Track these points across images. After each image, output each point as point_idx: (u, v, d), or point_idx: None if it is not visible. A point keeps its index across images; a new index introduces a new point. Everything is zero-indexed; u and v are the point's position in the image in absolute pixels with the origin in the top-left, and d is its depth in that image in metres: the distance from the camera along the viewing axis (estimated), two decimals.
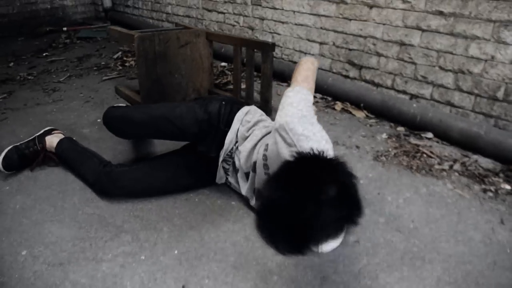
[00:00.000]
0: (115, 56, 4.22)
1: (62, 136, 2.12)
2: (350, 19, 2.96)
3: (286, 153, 1.33)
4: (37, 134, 2.12)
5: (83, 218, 1.73)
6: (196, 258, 1.50)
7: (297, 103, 1.40)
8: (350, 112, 2.87)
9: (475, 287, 1.39)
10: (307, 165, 1.14)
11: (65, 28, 5.37)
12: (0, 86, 3.31)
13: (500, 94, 2.27)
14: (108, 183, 1.82)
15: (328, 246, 1.42)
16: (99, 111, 2.80)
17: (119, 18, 5.77)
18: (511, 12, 2.14)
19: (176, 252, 1.54)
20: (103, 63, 4.01)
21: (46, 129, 2.18)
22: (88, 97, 3.10)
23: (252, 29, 3.84)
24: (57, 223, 1.69)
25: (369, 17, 2.84)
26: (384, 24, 2.75)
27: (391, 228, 1.69)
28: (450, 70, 2.47)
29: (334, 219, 1.03)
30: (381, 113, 2.75)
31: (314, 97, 3.05)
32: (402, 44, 2.68)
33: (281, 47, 3.61)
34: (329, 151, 1.27)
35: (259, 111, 1.87)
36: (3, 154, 2.01)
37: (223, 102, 1.81)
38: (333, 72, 3.21)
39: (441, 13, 2.43)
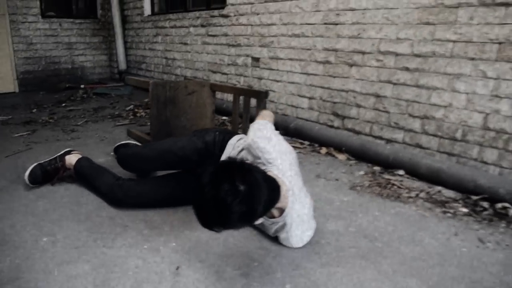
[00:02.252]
0: (127, 108, 4.64)
1: (80, 156, 2.43)
2: (334, 76, 3.39)
3: (253, 163, 1.72)
4: (58, 154, 2.44)
5: (96, 219, 2.00)
6: (190, 249, 1.75)
7: (262, 127, 1.86)
8: (333, 155, 3.19)
9: (425, 276, 1.62)
10: (232, 166, 1.45)
11: (82, 86, 5.87)
12: (24, 126, 3.70)
13: (458, 135, 2.61)
14: (120, 194, 2.11)
15: (299, 243, 1.74)
16: (112, 147, 3.12)
17: (132, 83, 6.29)
18: (460, 67, 2.54)
19: (174, 244, 1.79)
20: (116, 113, 4.42)
21: (66, 150, 2.50)
22: (103, 137, 3.45)
23: (251, 87, 4.28)
24: (74, 221, 1.96)
25: (350, 74, 3.26)
26: (362, 80, 3.17)
27: (359, 235, 1.94)
28: (417, 117, 2.83)
29: (227, 205, 1.32)
30: (360, 155, 3.07)
31: (303, 143, 3.40)
32: (377, 96, 3.07)
33: (276, 102, 4.02)
34: (276, 161, 1.72)
35: None
36: (29, 169, 2.31)
37: (217, 133, 2.16)
38: (320, 123, 3.58)
39: (407, 69, 2.84)
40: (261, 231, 1.90)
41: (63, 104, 4.77)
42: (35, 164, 2.36)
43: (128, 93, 5.69)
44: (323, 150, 3.31)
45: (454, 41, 2.56)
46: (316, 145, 3.44)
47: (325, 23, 3.38)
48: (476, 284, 1.57)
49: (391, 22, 2.90)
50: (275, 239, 1.83)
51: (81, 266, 1.60)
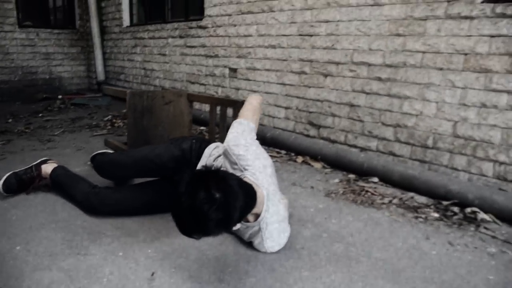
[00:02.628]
0: (105, 119, 4.60)
1: (56, 165, 2.40)
2: (310, 87, 3.44)
3: (229, 168, 1.79)
4: (34, 163, 2.40)
5: (71, 227, 1.97)
6: (166, 256, 1.74)
7: (238, 132, 1.86)
8: (309, 164, 3.22)
9: (397, 278, 1.65)
10: (208, 175, 1.48)
11: (60, 96, 5.79)
12: None
13: (429, 142, 2.68)
14: (96, 202, 2.09)
15: (274, 247, 1.75)
16: (89, 156, 3.07)
17: (110, 93, 6.25)
18: (430, 77, 2.62)
19: (149, 251, 1.78)
20: (94, 123, 4.37)
21: (42, 159, 2.46)
22: (80, 147, 3.42)
23: (228, 97, 4.30)
24: (49, 230, 1.93)
25: (324, 84, 3.32)
26: (336, 90, 3.23)
27: (332, 240, 1.96)
28: (390, 125, 2.90)
29: (203, 213, 1.35)
30: (335, 163, 3.11)
31: (279, 152, 3.43)
32: (351, 105, 3.13)
33: None
34: (252, 167, 1.75)
35: None
36: (4, 178, 2.27)
37: (194, 140, 2.17)
38: (296, 132, 3.62)
39: (379, 79, 2.91)
40: (237, 236, 1.91)
41: (40, 115, 4.70)
42: (9, 173, 2.31)
43: (106, 103, 5.64)
44: (299, 159, 3.34)
45: (423, 52, 2.65)
46: (293, 154, 3.47)
47: (300, 35, 3.44)
48: (445, 284, 1.60)
49: (363, 33, 2.97)
50: (250, 244, 1.83)
51: (56, 274, 1.57)
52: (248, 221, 1.73)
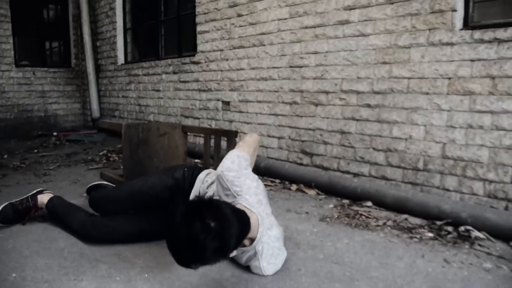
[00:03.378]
0: (100, 153, 4.61)
1: (52, 195, 2.40)
2: (301, 116, 3.51)
3: (222, 194, 1.83)
4: (30, 194, 2.39)
5: (67, 255, 1.95)
6: (163, 280, 1.73)
7: (232, 160, 1.89)
8: (303, 191, 3.24)
9: None
10: (201, 204, 1.51)
11: (55, 133, 5.82)
12: None
13: (420, 165, 2.73)
14: (92, 229, 2.08)
15: (271, 270, 1.75)
16: (85, 189, 3.08)
17: (105, 127, 6.29)
18: (417, 101, 2.70)
19: (146, 275, 1.76)
20: (89, 158, 4.38)
21: (38, 189, 2.46)
22: (76, 179, 3.41)
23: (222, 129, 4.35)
24: (45, 257, 1.91)
25: (316, 113, 3.39)
26: (327, 118, 3.29)
27: (329, 261, 1.96)
28: (381, 150, 2.95)
29: (200, 243, 1.38)
30: (329, 190, 3.13)
31: (273, 181, 3.45)
32: (342, 132, 3.19)
33: None
34: (244, 192, 1.79)
35: None
36: (0, 208, 2.25)
37: (186, 169, 2.19)
38: (290, 161, 3.65)
39: (368, 106, 2.99)
40: (233, 260, 1.90)
41: (35, 150, 4.70)
42: (5, 203, 2.30)
43: (102, 139, 5.67)
44: (294, 186, 3.36)
45: (409, 78, 2.74)
46: (287, 182, 3.49)
47: (291, 66, 3.55)
48: None
49: (351, 62, 3.07)
50: (247, 268, 1.83)
51: None
52: (244, 246, 1.74)
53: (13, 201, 2.33)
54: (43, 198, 2.37)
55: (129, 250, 2.02)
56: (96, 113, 6.51)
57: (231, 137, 2.99)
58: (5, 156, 4.32)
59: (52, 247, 2.03)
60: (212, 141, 3.05)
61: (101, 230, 2.07)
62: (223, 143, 3.03)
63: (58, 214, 2.29)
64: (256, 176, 1.92)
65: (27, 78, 6.13)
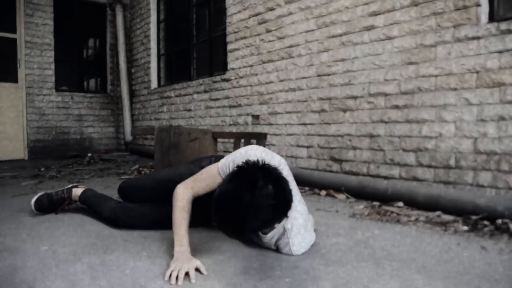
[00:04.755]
0: (132, 168, 4.73)
1: (85, 188, 2.48)
2: (330, 123, 3.53)
3: None
4: (65, 187, 2.49)
5: (98, 236, 2.00)
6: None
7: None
8: (333, 195, 3.20)
9: (429, 272, 1.59)
10: (249, 168, 1.53)
11: (89, 154, 6.02)
12: (32, 178, 3.76)
13: (452, 162, 2.67)
14: (122, 215, 2.13)
15: (301, 248, 1.73)
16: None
17: (137, 149, 6.47)
18: (445, 98, 2.68)
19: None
20: (121, 171, 4.51)
21: (74, 184, 2.55)
22: (108, 185, 3.51)
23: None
24: (76, 237, 1.97)
25: (344, 119, 3.40)
26: (356, 123, 3.30)
27: (359, 246, 1.91)
28: (411, 150, 2.91)
29: (265, 206, 1.41)
30: (359, 193, 3.08)
31: (303, 188, 3.43)
32: (371, 136, 3.18)
33: None
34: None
35: None
36: (36, 197, 2.36)
37: (213, 158, 2.22)
38: (319, 170, 3.64)
39: (397, 107, 2.98)
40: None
41: (70, 166, 4.88)
42: (42, 193, 2.40)
43: (134, 160, 5.82)
44: (323, 192, 3.33)
45: (436, 76, 2.73)
46: (316, 189, 3.47)
47: (319, 75, 3.60)
48: (481, 277, 1.53)
49: (378, 66, 3.10)
50: (274, 251, 1.81)
51: (80, 266, 1.58)
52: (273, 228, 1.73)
53: (50, 191, 2.42)
54: (77, 192, 2.45)
55: (157, 234, 2.04)
56: (128, 136, 6.72)
57: (261, 138, 3.04)
58: (42, 169, 4.51)
59: (84, 230, 2.09)
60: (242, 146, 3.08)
61: (130, 215, 2.11)
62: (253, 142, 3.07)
63: (90, 204, 2.36)
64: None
65: (66, 102, 6.45)
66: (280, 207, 1.48)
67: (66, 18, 6.56)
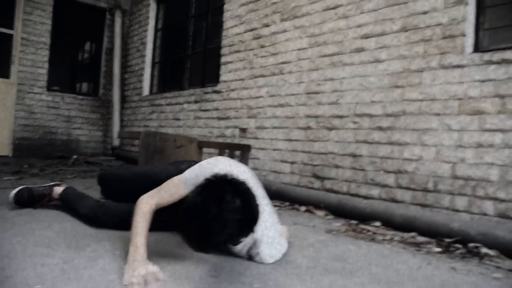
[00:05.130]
0: None
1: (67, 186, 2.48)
2: (315, 141, 3.56)
3: None
4: (47, 184, 2.48)
5: (73, 232, 1.99)
6: (164, 254, 1.73)
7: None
8: (312, 212, 3.21)
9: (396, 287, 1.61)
10: (217, 181, 1.52)
11: (75, 156, 5.97)
12: (14, 175, 3.72)
13: (430, 185, 2.71)
14: (100, 212, 2.12)
15: (273, 256, 1.74)
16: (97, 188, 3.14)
17: (123, 155, 6.41)
18: (428, 123, 2.74)
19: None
20: None
21: (56, 182, 2.55)
22: (89, 186, 3.46)
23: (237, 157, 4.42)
24: (50, 232, 1.95)
25: (329, 137, 3.44)
26: (340, 142, 3.34)
27: (332, 259, 1.92)
28: (391, 172, 2.95)
29: (232, 220, 1.40)
30: (338, 211, 3.09)
31: (283, 203, 3.43)
32: (354, 155, 3.22)
33: (260, 169, 4.13)
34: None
35: None
36: (17, 190, 2.35)
37: (193, 163, 2.23)
38: (301, 186, 3.65)
39: (380, 128, 3.03)
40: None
41: (54, 165, 4.83)
42: (23, 186, 2.39)
43: (119, 165, 5.78)
44: (303, 208, 3.34)
45: (421, 100, 2.80)
46: (296, 205, 3.48)
47: (307, 93, 3.66)
48: None
49: (365, 87, 3.16)
50: (245, 259, 1.80)
51: (50, 260, 1.56)
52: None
53: (31, 186, 2.41)
54: (59, 190, 2.44)
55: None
56: (116, 141, 6.69)
57: (245, 150, 3.06)
58: (25, 166, 4.46)
59: (60, 226, 2.07)
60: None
61: (109, 212, 2.10)
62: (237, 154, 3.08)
63: (69, 201, 2.34)
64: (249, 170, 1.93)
65: (56, 102, 6.42)
66: (247, 222, 1.47)
67: (65, 19, 6.59)
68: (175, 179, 1.78)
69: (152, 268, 1.45)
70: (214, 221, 1.38)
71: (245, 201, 1.46)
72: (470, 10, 2.63)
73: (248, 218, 1.47)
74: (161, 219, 1.76)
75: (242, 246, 1.75)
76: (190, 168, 1.79)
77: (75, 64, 7.03)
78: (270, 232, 1.77)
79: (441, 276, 1.79)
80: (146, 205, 1.68)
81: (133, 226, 1.61)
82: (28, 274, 1.39)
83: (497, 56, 2.44)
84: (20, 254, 1.58)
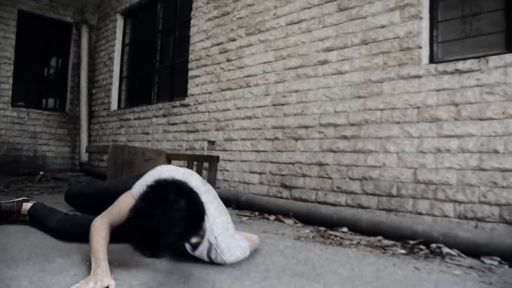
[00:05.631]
0: None
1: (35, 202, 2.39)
2: (282, 151, 3.59)
3: None
4: (16, 199, 2.38)
5: (41, 245, 1.92)
6: (131, 264, 1.69)
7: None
8: (281, 220, 3.21)
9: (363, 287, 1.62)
10: (160, 185, 1.51)
11: (41, 172, 5.76)
12: None
13: (394, 191, 2.77)
14: (68, 225, 2.07)
15: (232, 257, 1.76)
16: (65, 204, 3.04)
17: (92, 170, 6.26)
18: (390, 131, 2.82)
19: (116, 263, 1.72)
20: None
21: (24, 197, 2.46)
22: (57, 201, 3.33)
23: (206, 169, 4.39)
24: (17, 247, 1.87)
25: (296, 147, 3.47)
26: (306, 151, 3.38)
27: (300, 264, 1.93)
28: (357, 179, 3.00)
29: (178, 219, 1.39)
30: (306, 219, 3.11)
31: (253, 213, 3.42)
32: (320, 164, 3.26)
33: (229, 181, 4.11)
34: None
35: None
36: None
37: None
38: (270, 196, 3.66)
39: (345, 137, 3.09)
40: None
41: (20, 182, 4.64)
42: None
43: (88, 180, 5.62)
44: (272, 217, 3.34)
45: (382, 109, 2.88)
46: (266, 214, 3.47)
47: (274, 104, 3.69)
48: None
49: (329, 98, 3.23)
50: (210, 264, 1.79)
51: (18, 272, 1.50)
52: (199, 241, 1.72)
53: None
54: (27, 206, 2.36)
55: None
56: (84, 157, 6.51)
57: (213, 162, 3.04)
58: None
59: (27, 240, 2.00)
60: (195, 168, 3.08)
61: (78, 224, 2.03)
62: (205, 167, 3.07)
63: (38, 216, 2.28)
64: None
65: (21, 118, 6.21)
66: (193, 218, 1.46)
67: (29, 34, 6.42)
68: (123, 195, 1.77)
69: (109, 281, 1.41)
70: (161, 223, 1.35)
71: (189, 199, 1.45)
72: (424, 24, 2.75)
73: (194, 215, 1.46)
74: (118, 235, 1.70)
75: (201, 250, 1.74)
76: (137, 182, 1.78)
77: (41, 79, 6.83)
78: (223, 237, 1.75)
79: (405, 275, 1.83)
80: (100, 226, 1.66)
81: (91, 249, 1.58)
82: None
83: (450, 66, 2.55)
84: None
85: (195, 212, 1.47)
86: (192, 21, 4.81)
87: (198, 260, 1.80)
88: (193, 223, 1.48)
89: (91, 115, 6.76)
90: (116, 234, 1.70)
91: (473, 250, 2.22)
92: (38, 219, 2.25)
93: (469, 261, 2.14)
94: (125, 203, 1.69)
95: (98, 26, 6.99)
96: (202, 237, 1.70)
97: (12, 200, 2.36)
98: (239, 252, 1.79)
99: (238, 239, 1.83)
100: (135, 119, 5.73)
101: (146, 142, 5.46)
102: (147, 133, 5.46)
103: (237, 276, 1.64)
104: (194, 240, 1.63)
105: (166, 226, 1.36)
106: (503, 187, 2.33)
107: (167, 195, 1.42)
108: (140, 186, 1.70)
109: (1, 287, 1.36)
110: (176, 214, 1.38)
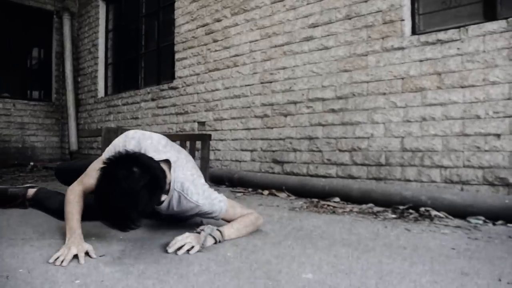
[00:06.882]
0: None
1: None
2: (272, 128, 3.64)
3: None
4: (23, 186, 2.43)
5: (45, 225, 1.97)
6: (111, 238, 1.74)
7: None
8: (275, 194, 3.28)
9: (357, 246, 1.70)
10: (110, 163, 1.49)
11: (32, 163, 5.72)
12: None
13: (382, 160, 2.85)
14: None
15: (202, 200, 1.72)
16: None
17: (85, 135, 6.19)
18: (376, 102, 2.88)
19: (121, 237, 1.76)
20: None
21: (31, 184, 2.50)
22: (53, 188, 3.35)
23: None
24: (24, 227, 1.92)
25: (285, 123, 3.52)
26: (296, 126, 3.43)
27: (297, 230, 2.00)
28: (346, 151, 3.07)
29: (138, 190, 1.39)
30: (299, 192, 3.19)
31: (246, 189, 3.47)
32: (310, 138, 3.32)
33: (221, 160, 4.16)
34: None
35: None
36: None
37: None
38: (262, 172, 3.72)
39: (333, 111, 3.15)
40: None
41: (12, 173, 4.61)
42: None
43: None
44: (266, 192, 3.41)
45: (367, 82, 2.94)
46: (259, 189, 3.54)
47: (262, 82, 3.72)
48: (405, 247, 1.67)
49: (316, 73, 3.27)
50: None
51: (27, 249, 1.54)
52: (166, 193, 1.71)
53: (5, 186, 2.36)
54: (31, 191, 2.42)
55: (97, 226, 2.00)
56: (74, 146, 6.46)
57: (205, 140, 3.08)
58: None
59: (31, 221, 2.06)
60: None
61: None
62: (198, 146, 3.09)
63: (41, 200, 2.33)
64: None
65: (7, 110, 6.12)
66: (153, 183, 1.46)
67: (9, 24, 6.27)
68: (95, 162, 1.80)
69: (86, 246, 1.48)
70: (124, 197, 1.36)
71: (142, 167, 1.44)
72: None
73: (152, 180, 1.45)
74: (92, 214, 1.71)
75: (166, 205, 1.74)
76: (106, 149, 1.81)
77: (25, 70, 6.71)
78: (189, 178, 1.74)
79: (397, 235, 1.91)
80: (74, 191, 1.71)
81: (66, 213, 1.63)
82: (10, 261, 1.40)
83: (432, 37, 2.61)
84: None
85: (153, 177, 1.46)
86: (176, 4, 4.77)
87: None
88: (154, 187, 1.47)
89: (78, 103, 6.69)
90: (90, 212, 1.71)
91: (460, 212, 2.32)
92: (42, 202, 2.30)
93: (456, 221, 2.24)
94: (95, 170, 1.64)
95: (80, 13, 6.85)
96: (168, 191, 1.68)
97: (19, 186, 2.41)
98: (219, 202, 1.77)
99: (211, 191, 1.81)
100: (123, 104, 5.70)
101: (135, 127, 5.44)
102: (136, 118, 5.44)
103: (235, 242, 1.70)
104: (163, 198, 1.62)
105: (130, 199, 1.37)
106: (486, 150, 2.43)
107: (118, 172, 1.41)
108: (108, 151, 1.75)
109: (20, 259, 1.42)
110: (135, 186, 1.38)
